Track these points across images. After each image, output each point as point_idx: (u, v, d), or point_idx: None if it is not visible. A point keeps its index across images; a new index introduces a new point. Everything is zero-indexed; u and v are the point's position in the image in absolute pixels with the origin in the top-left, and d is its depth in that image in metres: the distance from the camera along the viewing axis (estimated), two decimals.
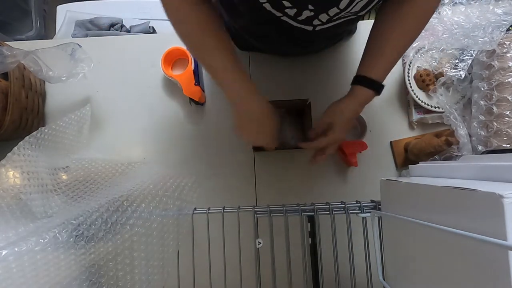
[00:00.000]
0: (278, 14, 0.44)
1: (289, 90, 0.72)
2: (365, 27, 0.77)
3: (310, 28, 0.48)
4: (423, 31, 0.66)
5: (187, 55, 0.67)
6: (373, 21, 0.52)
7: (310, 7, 0.42)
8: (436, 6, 0.46)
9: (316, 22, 0.46)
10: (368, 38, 0.51)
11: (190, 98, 0.69)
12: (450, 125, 0.62)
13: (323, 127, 0.53)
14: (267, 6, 0.42)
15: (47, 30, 1.46)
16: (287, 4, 0.41)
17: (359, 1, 0.41)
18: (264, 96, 0.50)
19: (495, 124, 0.58)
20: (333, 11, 0.42)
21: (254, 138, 0.53)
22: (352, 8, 0.42)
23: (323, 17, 0.44)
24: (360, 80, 0.50)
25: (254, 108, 0.49)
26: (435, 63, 0.68)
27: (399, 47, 0.49)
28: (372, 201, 0.52)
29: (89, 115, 0.67)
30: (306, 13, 0.43)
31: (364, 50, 0.51)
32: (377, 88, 0.50)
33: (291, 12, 0.43)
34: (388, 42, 0.48)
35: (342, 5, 0.41)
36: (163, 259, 0.49)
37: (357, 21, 0.53)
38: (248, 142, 0.55)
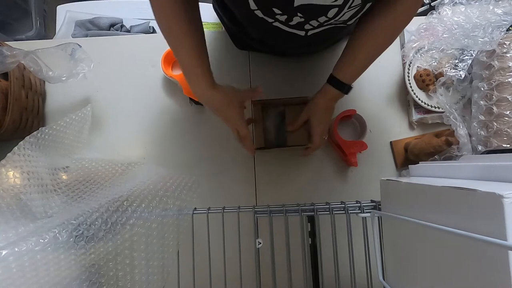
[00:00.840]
0: (270, 20, 0.46)
1: (289, 91, 0.72)
2: None
3: (302, 33, 0.50)
4: (422, 31, 0.67)
5: None
6: None
7: (300, 14, 0.44)
8: (411, 18, 0.48)
9: (307, 26, 0.48)
10: (347, 43, 0.53)
11: (190, 98, 0.69)
12: (450, 125, 0.62)
13: (302, 120, 0.60)
14: (259, 13, 0.44)
15: (47, 30, 1.46)
16: (277, 11, 0.43)
17: (347, 12, 0.43)
18: (221, 87, 0.53)
19: (495, 124, 0.58)
20: (322, 19, 0.45)
21: (228, 125, 0.57)
22: (340, 17, 0.45)
23: (314, 23, 0.47)
24: (331, 80, 0.55)
25: (213, 100, 0.53)
26: (435, 63, 0.68)
27: (372, 54, 0.52)
28: (372, 201, 0.52)
29: (89, 115, 0.67)
30: (296, 19, 0.45)
31: (342, 53, 0.54)
32: (345, 89, 0.55)
33: (282, 18, 0.45)
34: (362, 48, 0.51)
35: (331, 14, 0.43)
36: (163, 259, 0.49)
37: (349, 28, 0.55)
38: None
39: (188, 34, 0.46)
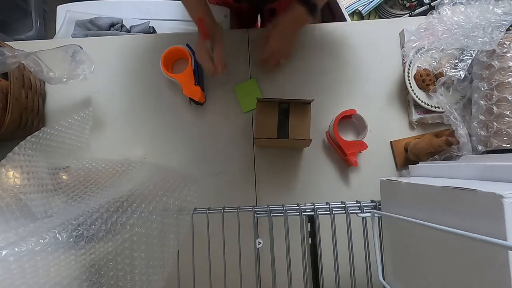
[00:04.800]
0: None
1: (290, 90, 0.72)
2: (364, 27, 0.77)
3: None
4: (422, 31, 0.67)
5: (187, 55, 0.67)
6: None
7: None
8: None
9: None
10: None
11: (190, 98, 0.69)
12: (450, 125, 0.62)
13: (264, 37, 0.67)
14: None
15: (47, 30, 1.46)
16: None
17: None
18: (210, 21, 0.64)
19: (495, 124, 0.58)
20: None
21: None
22: None
23: None
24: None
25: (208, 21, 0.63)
26: (435, 63, 0.68)
27: None
28: (372, 201, 0.52)
29: (91, 116, 0.67)
30: None
31: None
32: (311, 7, 0.61)
33: None
34: None
35: None
36: (163, 259, 0.49)
37: None
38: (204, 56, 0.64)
39: None
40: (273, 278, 0.50)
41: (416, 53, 0.69)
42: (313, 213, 0.52)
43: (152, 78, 0.73)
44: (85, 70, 0.65)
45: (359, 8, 1.35)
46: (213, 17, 0.64)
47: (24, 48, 0.59)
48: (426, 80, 0.67)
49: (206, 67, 0.63)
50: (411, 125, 0.71)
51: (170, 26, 0.99)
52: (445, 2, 0.66)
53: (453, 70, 0.65)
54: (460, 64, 0.65)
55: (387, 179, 0.46)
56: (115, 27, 0.91)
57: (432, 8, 0.69)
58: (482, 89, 0.61)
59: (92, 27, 0.91)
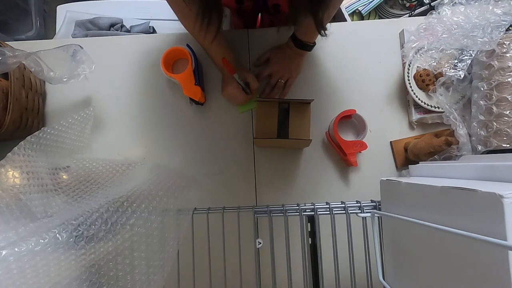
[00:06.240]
0: None
1: (290, 90, 0.72)
2: (364, 27, 0.77)
3: None
4: (422, 31, 0.67)
5: (187, 55, 0.67)
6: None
7: None
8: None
9: None
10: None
11: (190, 98, 0.69)
12: (450, 125, 0.62)
13: (264, 58, 0.72)
14: None
15: (47, 30, 1.47)
16: None
17: None
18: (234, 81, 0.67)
19: (495, 124, 0.58)
20: None
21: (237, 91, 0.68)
22: None
23: None
24: (293, 37, 0.67)
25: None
26: (435, 63, 0.68)
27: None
28: (372, 201, 0.52)
29: (92, 116, 0.67)
30: None
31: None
32: (303, 46, 0.67)
33: None
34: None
35: None
36: (163, 259, 0.49)
37: None
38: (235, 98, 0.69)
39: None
40: (273, 278, 0.50)
41: (415, 53, 0.69)
42: (313, 213, 0.52)
43: (152, 78, 0.73)
44: (85, 69, 0.65)
45: (359, 8, 1.35)
46: (231, 49, 0.67)
47: (24, 48, 0.59)
48: (426, 80, 0.67)
49: (240, 100, 0.68)
50: (411, 125, 0.71)
51: (170, 26, 0.99)
52: (445, 2, 0.66)
53: (453, 70, 0.65)
54: (459, 64, 0.65)
55: (387, 179, 0.46)
56: (115, 27, 0.91)
57: (432, 8, 0.69)
58: (482, 89, 0.61)
59: (92, 27, 0.91)
